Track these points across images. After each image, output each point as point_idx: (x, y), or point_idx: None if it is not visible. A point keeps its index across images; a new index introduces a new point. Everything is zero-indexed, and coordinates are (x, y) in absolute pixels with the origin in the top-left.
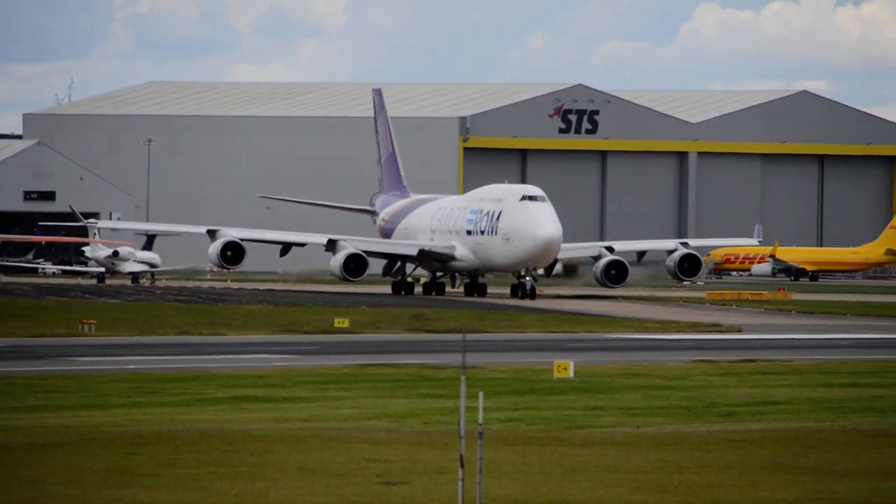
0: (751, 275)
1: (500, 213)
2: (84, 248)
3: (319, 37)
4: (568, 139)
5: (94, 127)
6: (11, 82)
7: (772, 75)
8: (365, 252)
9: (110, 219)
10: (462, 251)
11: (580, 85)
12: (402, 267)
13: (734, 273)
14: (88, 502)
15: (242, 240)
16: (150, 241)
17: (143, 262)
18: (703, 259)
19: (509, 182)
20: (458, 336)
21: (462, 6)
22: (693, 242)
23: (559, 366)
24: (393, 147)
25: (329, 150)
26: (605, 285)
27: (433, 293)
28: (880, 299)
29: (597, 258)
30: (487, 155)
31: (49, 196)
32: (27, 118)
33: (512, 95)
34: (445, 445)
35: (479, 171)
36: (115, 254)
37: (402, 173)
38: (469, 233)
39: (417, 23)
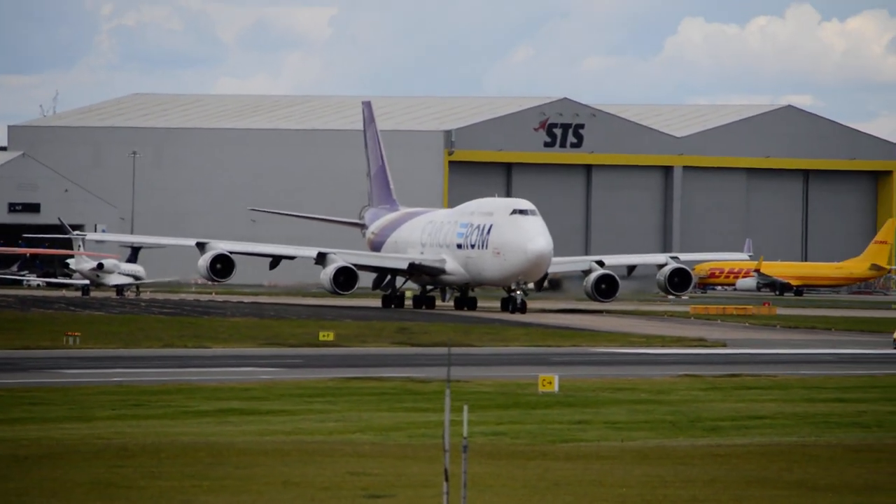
0: (735, 289)
1: (491, 226)
2: (69, 261)
3: (304, 50)
4: (553, 153)
5: (78, 139)
6: None
7: (757, 90)
8: (355, 265)
9: (95, 231)
10: (452, 265)
11: (565, 99)
12: (393, 280)
13: (719, 287)
14: None
15: (232, 253)
16: (134, 254)
17: (127, 275)
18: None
19: (499, 196)
20: (443, 349)
21: (446, 19)
22: (683, 257)
23: (544, 380)
24: (382, 160)
25: (314, 163)
26: (595, 299)
27: (423, 307)
28: (865, 314)
29: (587, 272)
30: (472, 168)
31: (34, 208)
32: (12, 130)
33: (497, 109)
34: (430, 459)
35: (464, 185)
36: (100, 266)
37: (391, 186)
38: (459, 246)
39: (402, 36)
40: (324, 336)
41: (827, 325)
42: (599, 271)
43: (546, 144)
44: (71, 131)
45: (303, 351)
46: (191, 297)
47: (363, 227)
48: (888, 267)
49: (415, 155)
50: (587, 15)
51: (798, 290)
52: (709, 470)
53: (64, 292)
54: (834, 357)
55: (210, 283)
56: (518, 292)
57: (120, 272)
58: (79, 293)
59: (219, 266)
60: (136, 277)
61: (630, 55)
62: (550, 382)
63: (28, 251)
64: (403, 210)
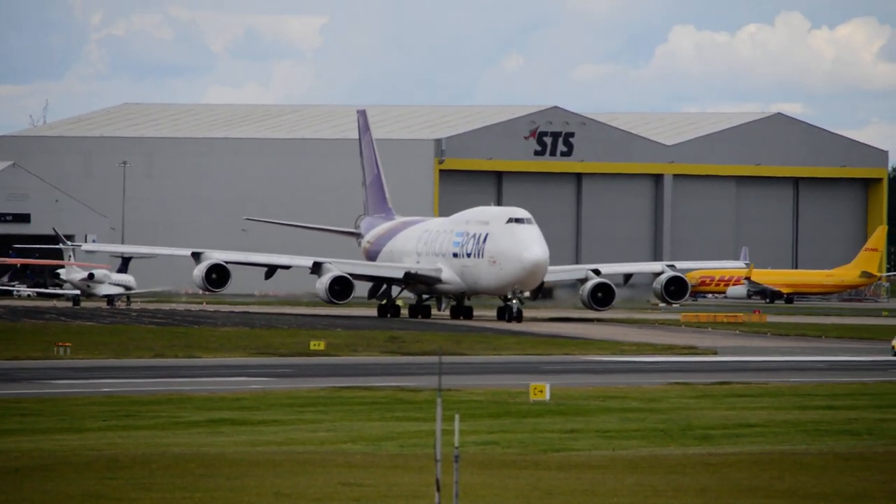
0: (726, 297)
1: (487, 235)
2: (59, 271)
3: (294, 59)
4: (543, 161)
5: (68, 149)
6: None
7: (747, 98)
8: (350, 275)
9: (86, 241)
10: (448, 274)
11: (555, 107)
12: (389, 290)
13: (709, 295)
14: None
15: (227, 262)
16: (125, 264)
17: (118, 285)
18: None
19: (489, 205)
20: (434, 358)
21: (437, 29)
22: (679, 265)
23: (535, 388)
24: (378, 169)
25: (304, 172)
26: (591, 308)
27: (419, 316)
28: (855, 322)
29: (583, 281)
30: (463, 177)
31: (24, 218)
32: (1, 140)
33: (487, 118)
34: (421, 469)
35: (454, 194)
36: (91, 276)
37: (387, 195)
38: (455, 255)
39: (392, 45)
40: (315, 345)
41: (818, 332)
42: (596, 280)
43: (536, 153)
44: (61, 141)
45: (294, 360)
46: (181, 307)
47: (359, 236)
48: (878, 274)
49: (405, 164)
50: (577, 24)
51: (788, 298)
52: (700, 478)
53: (55, 302)
54: (825, 364)
55: (205, 293)
56: (514, 301)
57: (111, 282)
58: (69, 303)
59: (214, 276)
60: (127, 287)
61: (620, 64)
62: (542, 391)
63: (18, 261)
64: (399, 219)
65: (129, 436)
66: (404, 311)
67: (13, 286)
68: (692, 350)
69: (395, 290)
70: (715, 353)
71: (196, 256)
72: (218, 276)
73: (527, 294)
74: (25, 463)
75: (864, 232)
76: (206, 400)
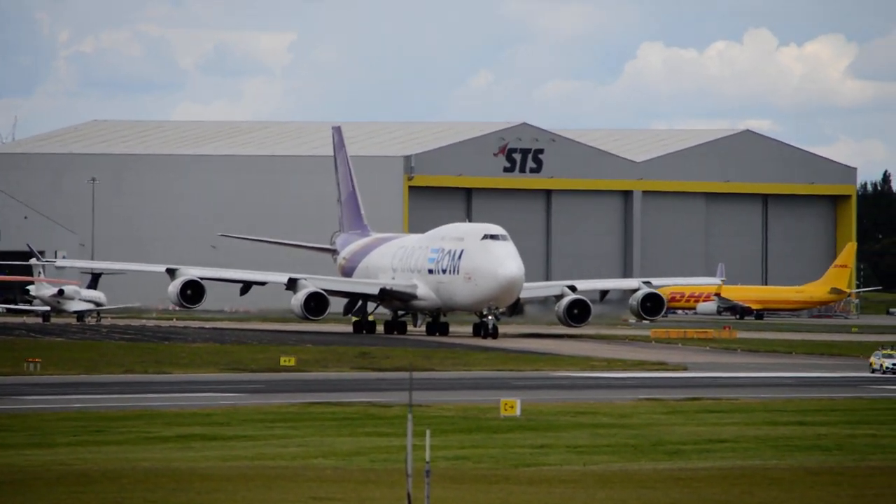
0: (696, 313)
1: (462, 252)
2: (29, 287)
3: (264, 76)
4: (513, 178)
5: (37, 165)
6: None
7: (716, 114)
8: (326, 291)
9: (56, 257)
10: (424, 290)
11: (524, 124)
12: (364, 306)
13: (679, 311)
14: None
15: (203, 279)
16: (94, 280)
17: (88, 301)
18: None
19: (459, 221)
20: (405, 374)
21: (406, 45)
22: (655, 282)
23: (506, 404)
24: (353, 185)
25: (275, 188)
26: (567, 324)
27: (395, 332)
28: (825, 338)
29: (559, 297)
30: (432, 193)
31: None
32: None
33: (457, 134)
34: (392, 484)
35: (424, 210)
36: (61, 292)
37: (362, 212)
38: (431, 272)
39: (362, 62)
40: (285, 361)
41: (787, 348)
42: (572, 296)
43: (506, 170)
44: (30, 158)
45: (264, 376)
46: (152, 322)
47: (335, 252)
48: (848, 290)
49: (375, 180)
50: (546, 40)
51: (758, 314)
52: (671, 493)
53: (24, 319)
54: (795, 380)
55: (180, 308)
56: (490, 317)
57: (80, 298)
58: (39, 319)
59: (189, 292)
60: (97, 304)
61: (589, 80)
62: (512, 407)
63: None
64: (375, 235)
65: (99, 451)
66: (380, 328)
67: None
68: (663, 366)
69: (370, 306)
70: (685, 369)
71: (171, 273)
72: (193, 292)
73: (502, 310)
74: None
75: (833, 248)
76: (176, 415)
